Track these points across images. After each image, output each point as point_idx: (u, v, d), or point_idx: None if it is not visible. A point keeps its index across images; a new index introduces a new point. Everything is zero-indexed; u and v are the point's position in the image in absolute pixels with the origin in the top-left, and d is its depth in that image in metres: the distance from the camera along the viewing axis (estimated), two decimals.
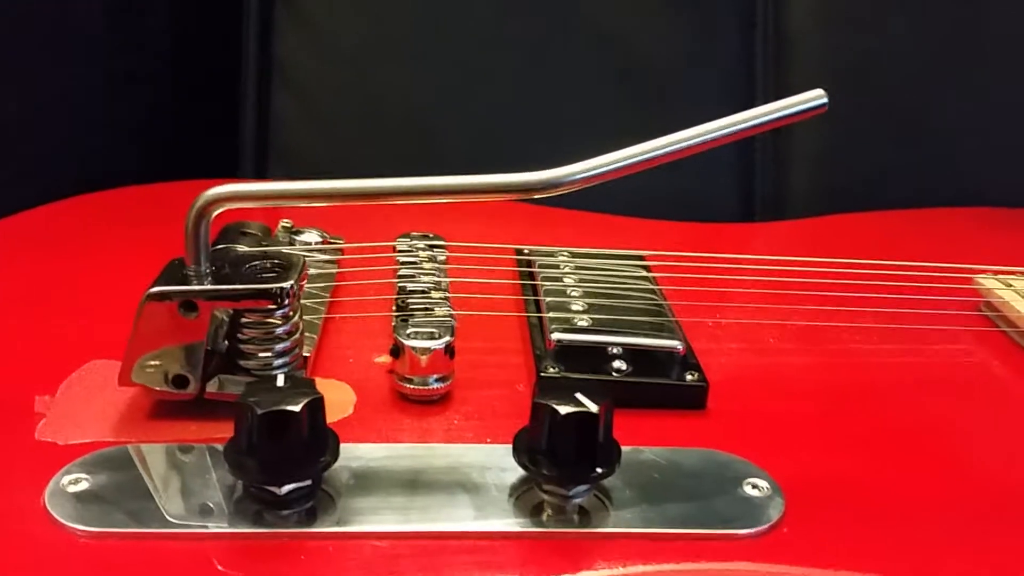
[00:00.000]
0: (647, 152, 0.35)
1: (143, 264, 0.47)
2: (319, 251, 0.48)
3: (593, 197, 0.69)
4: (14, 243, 0.53)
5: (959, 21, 0.70)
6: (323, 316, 0.43)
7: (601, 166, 0.35)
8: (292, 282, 0.36)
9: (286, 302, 0.36)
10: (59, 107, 0.65)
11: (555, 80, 0.71)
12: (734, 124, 0.36)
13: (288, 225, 0.50)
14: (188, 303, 0.35)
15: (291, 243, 0.49)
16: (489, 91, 0.71)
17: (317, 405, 0.31)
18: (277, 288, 0.35)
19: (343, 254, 0.49)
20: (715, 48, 0.72)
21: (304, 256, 0.38)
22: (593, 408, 0.31)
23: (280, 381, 0.31)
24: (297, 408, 0.30)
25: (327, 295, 0.45)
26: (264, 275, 0.36)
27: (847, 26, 0.71)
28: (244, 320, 0.36)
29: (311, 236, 0.49)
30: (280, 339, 0.37)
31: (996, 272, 0.50)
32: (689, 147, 0.36)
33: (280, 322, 0.36)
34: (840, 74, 0.72)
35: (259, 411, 0.30)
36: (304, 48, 0.71)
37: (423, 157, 0.71)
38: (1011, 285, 0.48)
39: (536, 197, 0.36)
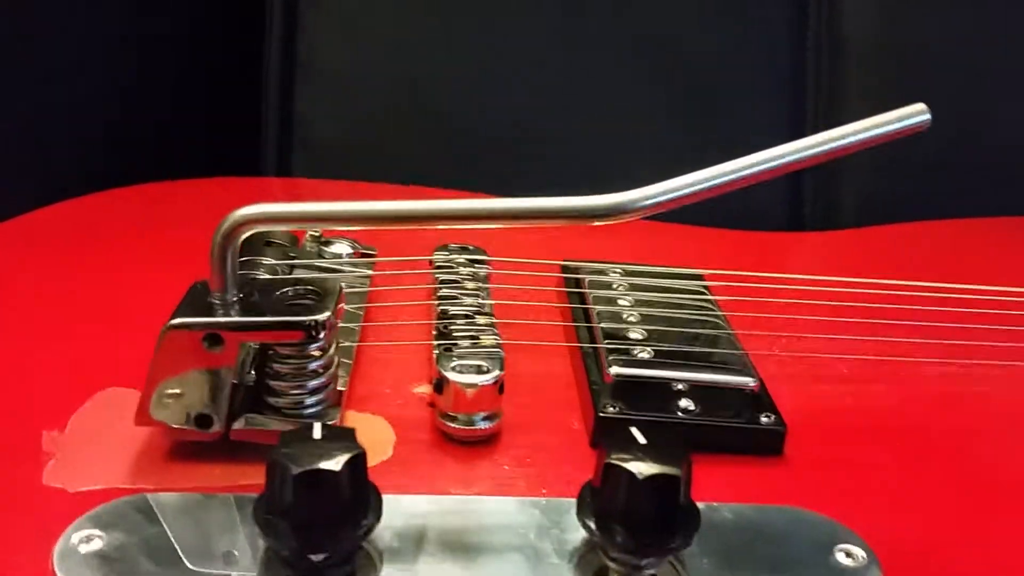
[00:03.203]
0: (723, 175, 0.32)
1: (164, 272, 0.43)
2: (351, 265, 0.45)
3: None
4: (22, 246, 0.49)
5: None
6: (356, 344, 0.39)
7: (672, 190, 0.31)
8: (328, 313, 0.32)
9: (321, 335, 0.32)
10: (78, 104, 0.62)
11: (596, 75, 0.67)
12: (824, 143, 0.32)
13: (317, 234, 0.46)
14: (213, 336, 0.32)
15: (320, 255, 0.45)
16: (525, 86, 0.67)
17: (359, 462, 0.27)
18: (311, 321, 0.32)
19: (376, 268, 0.45)
20: (765, 47, 0.67)
21: (340, 282, 0.34)
22: (674, 470, 0.27)
23: (316, 432, 0.28)
24: (337, 467, 0.26)
25: (360, 316, 0.42)
26: (297, 303, 0.33)
27: (904, 24, 0.67)
28: (273, 353, 0.33)
29: (342, 247, 0.45)
30: (313, 375, 0.33)
31: None
32: (773, 168, 0.32)
33: (313, 357, 0.33)
34: (896, 74, 0.67)
35: (294, 471, 0.26)
36: (330, 40, 0.67)
37: (455, 156, 0.67)
38: None
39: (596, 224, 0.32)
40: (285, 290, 0.33)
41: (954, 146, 0.66)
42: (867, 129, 0.32)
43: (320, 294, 0.33)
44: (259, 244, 0.44)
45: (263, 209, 0.32)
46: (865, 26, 0.67)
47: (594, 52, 0.67)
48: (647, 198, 0.31)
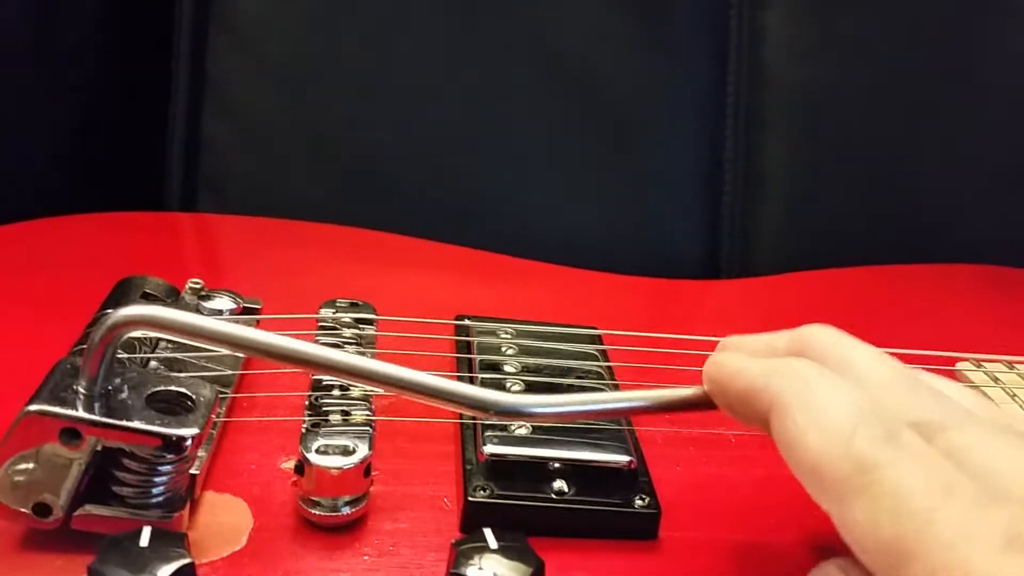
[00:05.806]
0: (624, 402, 0.33)
1: (51, 320, 0.41)
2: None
3: (543, 239, 0.65)
4: None
5: (948, 61, 0.65)
6: (222, 417, 0.37)
7: (571, 405, 0.33)
8: (197, 429, 0.30)
9: (185, 449, 0.30)
10: None
11: (511, 105, 0.65)
12: None
13: (198, 287, 0.44)
14: (71, 430, 0.30)
15: (198, 309, 0.43)
16: (439, 119, 0.65)
17: (186, 572, 0.26)
18: (175, 436, 0.30)
19: (258, 326, 0.43)
20: (685, 79, 0.67)
21: (216, 390, 0.32)
22: None
23: (144, 539, 0.26)
24: None
25: (232, 382, 0.40)
26: (167, 407, 0.31)
27: (826, 59, 0.67)
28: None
29: (223, 302, 0.43)
30: (165, 474, 0.31)
31: (980, 360, 0.45)
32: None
33: (169, 464, 0.31)
34: (818, 110, 0.67)
35: None
36: (240, 69, 0.65)
37: (366, 187, 0.66)
38: (998, 380, 0.43)
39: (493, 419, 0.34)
40: (158, 390, 0.31)
41: (871, 190, 0.66)
42: None
43: (193, 403, 0.31)
44: (136, 293, 0.43)
45: (151, 313, 0.30)
46: (785, 56, 0.66)
47: (508, 77, 0.65)
48: (544, 406, 0.32)
